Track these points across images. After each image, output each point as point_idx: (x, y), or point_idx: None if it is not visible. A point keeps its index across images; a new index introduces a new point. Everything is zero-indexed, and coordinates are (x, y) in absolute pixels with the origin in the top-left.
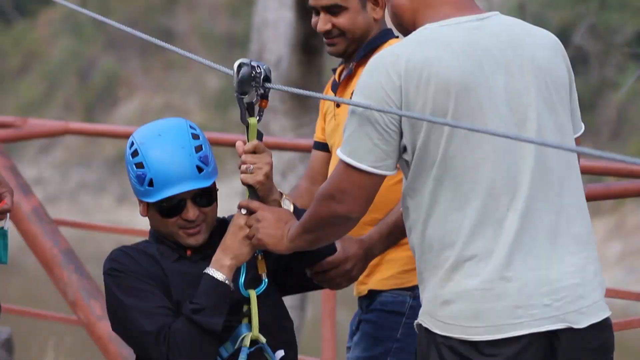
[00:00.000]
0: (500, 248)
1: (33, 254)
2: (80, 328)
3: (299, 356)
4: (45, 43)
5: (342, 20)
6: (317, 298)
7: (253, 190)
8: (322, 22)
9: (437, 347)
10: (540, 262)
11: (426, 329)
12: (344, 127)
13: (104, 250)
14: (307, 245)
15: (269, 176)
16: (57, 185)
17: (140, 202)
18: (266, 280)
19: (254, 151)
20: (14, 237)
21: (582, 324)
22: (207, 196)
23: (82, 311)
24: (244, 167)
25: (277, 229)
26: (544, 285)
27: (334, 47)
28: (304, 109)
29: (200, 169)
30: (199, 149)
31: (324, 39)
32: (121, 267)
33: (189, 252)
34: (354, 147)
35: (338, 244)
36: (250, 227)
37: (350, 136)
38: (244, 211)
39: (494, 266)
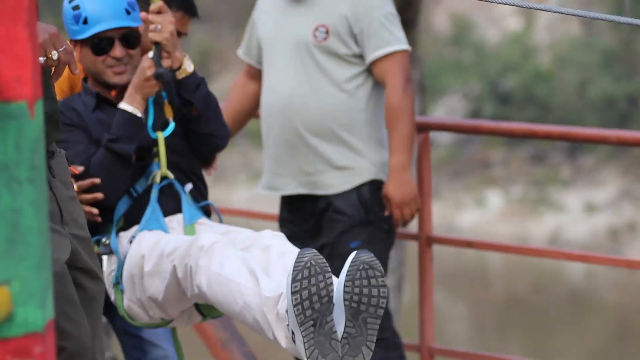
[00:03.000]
0: None
1: None
2: None
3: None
4: None
5: None
6: (414, 278)
7: (160, 47)
8: None
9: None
10: None
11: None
12: (383, 26)
13: None
14: None
15: (173, 34)
16: None
17: (75, 46)
18: (173, 123)
19: (159, 12)
20: None
21: None
22: (133, 39)
23: None
24: (152, 26)
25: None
26: None
27: None
28: None
29: (128, 12)
30: None
31: None
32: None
33: (113, 93)
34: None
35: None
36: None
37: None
38: (150, 54)
39: None
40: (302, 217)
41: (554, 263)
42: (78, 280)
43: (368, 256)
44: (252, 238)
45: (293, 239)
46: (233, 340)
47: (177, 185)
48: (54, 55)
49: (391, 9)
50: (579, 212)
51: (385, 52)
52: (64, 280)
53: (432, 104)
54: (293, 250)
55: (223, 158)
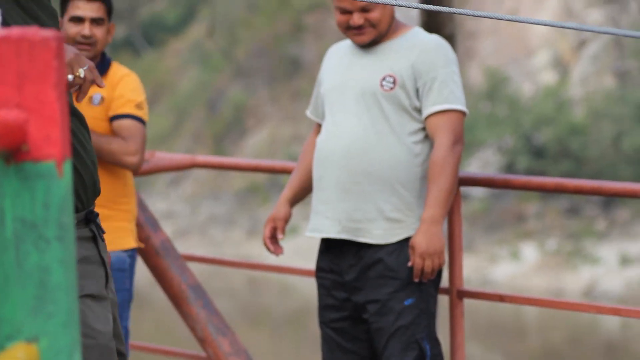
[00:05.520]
0: None
1: (161, 289)
2: None
3: None
4: (173, 74)
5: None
6: (446, 332)
7: None
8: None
9: None
10: None
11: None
12: (444, 84)
13: (233, 284)
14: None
15: None
16: (187, 219)
17: None
18: None
19: None
20: (143, 271)
21: None
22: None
23: (211, 347)
24: None
25: None
26: None
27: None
28: None
29: None
30: None
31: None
32: None
33: None
34: (461, 97)
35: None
36: None
37: (457, 88)
38: None
39: None
40: (343, 267)
41: (589, 315)
42: (118, 349)
43: None
44: None
45: (332, 289)
46: None
47: None
48: (81, 73)
49: (456, 69)
50: (614, 265)
51: (440, 109)
52: (112, 355)
53: (466, 157)
54: None
55: (258, 212)
